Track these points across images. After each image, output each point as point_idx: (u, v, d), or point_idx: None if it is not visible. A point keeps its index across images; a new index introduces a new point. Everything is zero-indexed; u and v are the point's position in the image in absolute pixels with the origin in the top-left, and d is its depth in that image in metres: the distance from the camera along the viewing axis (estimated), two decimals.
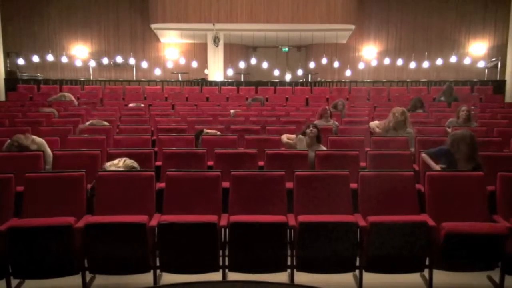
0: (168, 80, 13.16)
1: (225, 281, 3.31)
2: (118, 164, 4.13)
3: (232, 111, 8.08)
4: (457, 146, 4.27)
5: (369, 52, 14.47)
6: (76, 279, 3.41)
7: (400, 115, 5.70)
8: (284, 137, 5.41)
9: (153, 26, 12.90)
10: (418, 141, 5.58)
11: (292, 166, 4.38)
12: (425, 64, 13.63)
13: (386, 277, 3.50)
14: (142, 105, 8.90)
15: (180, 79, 13.46)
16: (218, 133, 6.00)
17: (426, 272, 3.53)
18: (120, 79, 13.24)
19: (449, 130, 6.05)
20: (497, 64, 12.97)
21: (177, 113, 8.09)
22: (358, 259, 3.45)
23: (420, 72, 13.87)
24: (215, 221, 3.34)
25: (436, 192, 3.76)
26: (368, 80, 13.46)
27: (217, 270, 3.45)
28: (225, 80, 13.19)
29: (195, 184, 3.78)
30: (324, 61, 13.59)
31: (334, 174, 3.87)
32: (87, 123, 6.51)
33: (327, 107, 7.09)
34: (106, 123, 6.53)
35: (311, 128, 5.13)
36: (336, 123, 6.81)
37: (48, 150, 4.88)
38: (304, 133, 5.20)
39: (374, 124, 6.29)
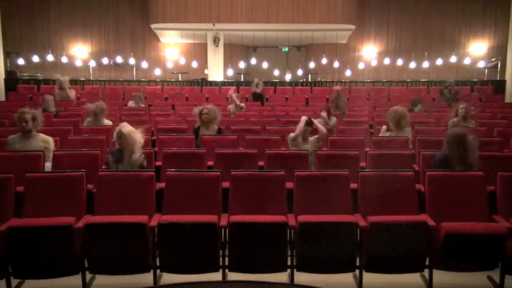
0: (168, 80, 13.17)
1: (225, 281, 3.31)
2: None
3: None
4: (451, 147, 4.13)
5: (369, 52, 14.46)
6: (76, 279, 3.42)
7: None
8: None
9: (153, 26, 12.90)
10: (418, 141, 5.58)
11: (292, 166, 4.38)
12: (425, 64, 13.62)
13: (386, 277, 3.50)
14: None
15: (180, 79, 13.46)
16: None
17: (426, 272, 3.53)
18: (120, 79, 13.23)
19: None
20: (497, 64, 12.96)
21: (177, 113, 8.09)
22: (358, 259, 3.45)
23: (420, 72, 13.86)
24: (215, 221, 3.34)
25: (436, 192, 3.77)
26: (368, 80, 13.45)
27: (217, 270, 3.46)
28: (225, 80, 13.19)
29: (195, 184, 3.79)
30: (324, 61, 13.59)
31: (334, 174, 3.87)
32: None
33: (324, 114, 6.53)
34: None
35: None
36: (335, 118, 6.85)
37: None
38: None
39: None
